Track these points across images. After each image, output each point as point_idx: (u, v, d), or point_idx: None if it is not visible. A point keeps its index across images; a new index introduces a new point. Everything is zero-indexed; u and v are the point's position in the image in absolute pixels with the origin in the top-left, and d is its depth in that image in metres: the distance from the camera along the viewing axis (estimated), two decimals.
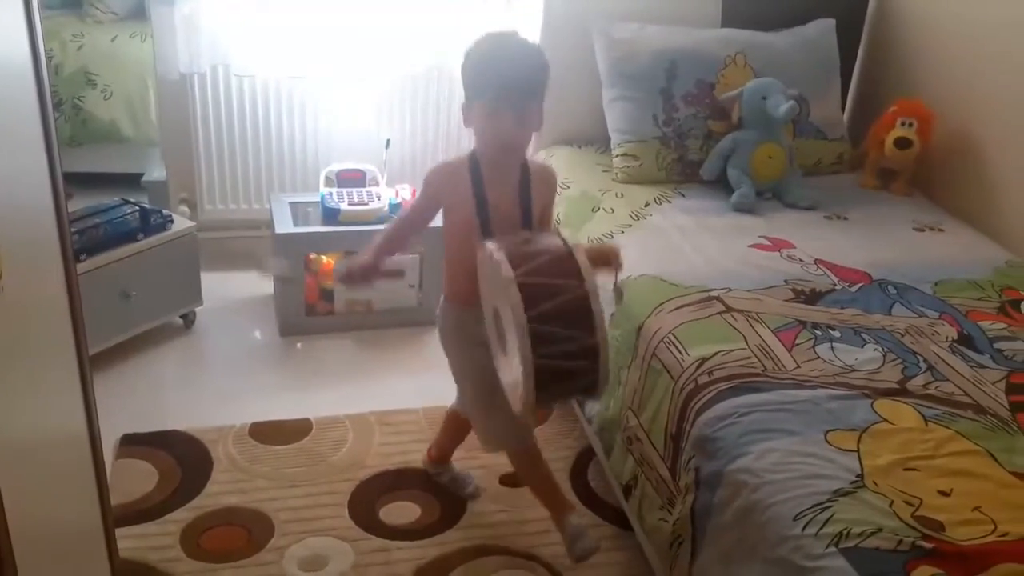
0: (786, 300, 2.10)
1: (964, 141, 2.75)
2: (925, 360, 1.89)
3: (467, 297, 1.93)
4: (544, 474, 2.07)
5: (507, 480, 2.38)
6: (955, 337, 1.99)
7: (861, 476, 1.55)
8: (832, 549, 1.41)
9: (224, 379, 2.73)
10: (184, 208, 3.18)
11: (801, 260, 2.29)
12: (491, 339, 1.86)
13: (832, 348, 1.91)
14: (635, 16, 2.85)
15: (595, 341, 1.61)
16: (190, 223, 2.86)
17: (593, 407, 2.20)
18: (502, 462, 2.43)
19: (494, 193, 1.91)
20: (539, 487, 2.08)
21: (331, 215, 2.90)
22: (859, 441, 1.63)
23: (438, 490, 2.33)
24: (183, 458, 2.38)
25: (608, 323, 1.81)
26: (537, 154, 2.99)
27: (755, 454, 1.61)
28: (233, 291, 3.14)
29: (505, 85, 1.83)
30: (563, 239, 1.77)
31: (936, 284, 2.21)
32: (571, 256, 1.67)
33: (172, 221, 2.81)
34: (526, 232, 1.87)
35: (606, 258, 1.96)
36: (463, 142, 3.39)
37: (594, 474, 2.42)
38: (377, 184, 3.06)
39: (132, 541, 2.10)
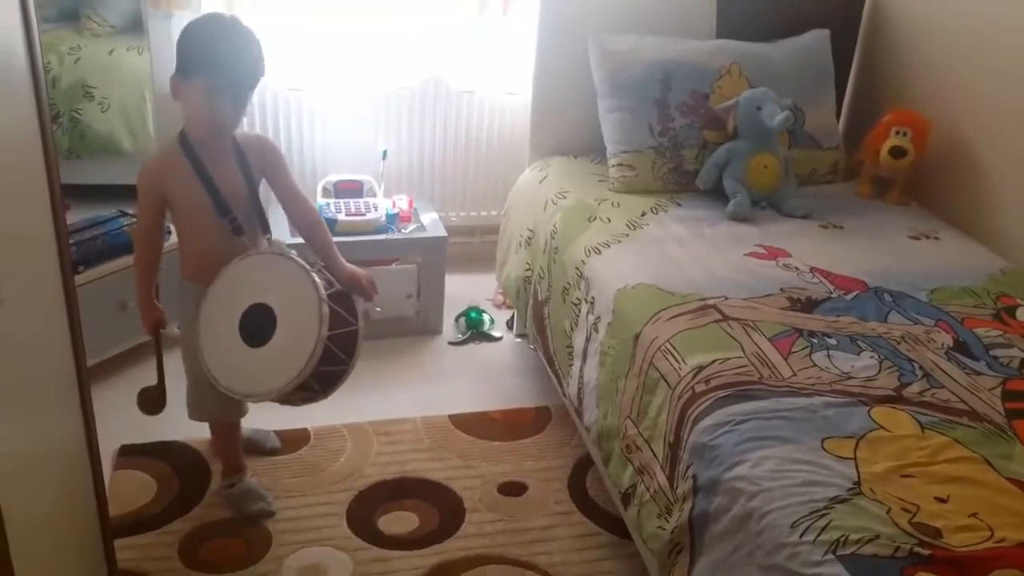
0: (782, 308, 2.10)
1: (958, 150, 2.76)
2: (921, 367, 1.90)
3: (197, 275, 2.03)
4: (235, 443, 2.29)
5: (505, 490, 2.38)
6: (951, 344, 2.00)
7: (858, 483, 1.55)
8: (829, 556, 1.41)
9: None
10: None
11: (797, 268, 2.30)
12: (211, 319, 1.98)
13: (828, 356, 1.92)
14: (630, 28, 2.87)
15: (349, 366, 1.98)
16: None
17: (591, 416, 2.20)
18: (499, 471, 2.44)
19: (217, 170, 1.97)
20: (226, 453, 2.29)
21: (328, 225, 2.89)
22: (856, 448, 1.64)
23: (437, 500, 2.33)
24: (181, 469, 2.38)
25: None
26: (533, 164, 3.00)
27: (752, 461, 1.61)
28: None
29: (226, 66, 1.88)
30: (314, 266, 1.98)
31: (932, 292, 2.22)
32: (349, 296, 2.01)
33: (170, 232, 2.80)
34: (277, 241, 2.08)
35: (359, 286, 2.07)
36: (459, 152, 3.40)
37: (592, 482, 2.42)
38: (374, 195, 3.07)
39: (131, 552, 2.10)
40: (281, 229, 2.71)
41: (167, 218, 2.08)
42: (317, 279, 1.91)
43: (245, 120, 3.12)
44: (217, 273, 1.98)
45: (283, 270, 1.95)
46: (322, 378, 1.93)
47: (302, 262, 1.94)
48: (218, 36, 1.90)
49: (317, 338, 1.86)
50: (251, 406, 2.24)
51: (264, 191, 2.10)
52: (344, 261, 2.10)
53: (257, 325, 1.91)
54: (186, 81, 1.90)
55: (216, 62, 1.87)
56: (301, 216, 2.13)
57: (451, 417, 2.65)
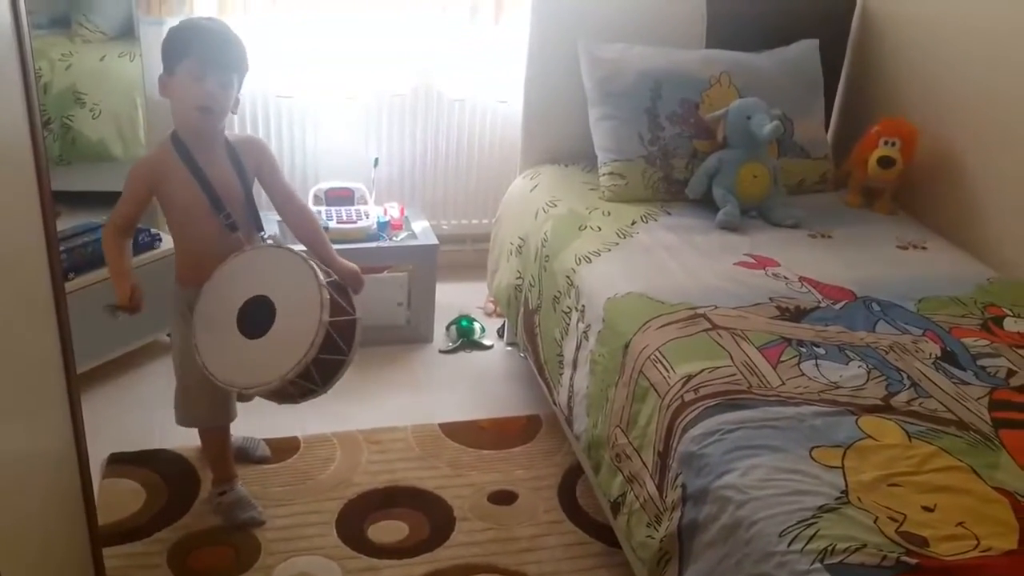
0: (771, 317, 2.11)
1: (947, 160, 2.78)
2: (909, 377, 1.91)
3: (192, 278, 2.03)
4: (226, 451, 2.29)
5: (495, 498, 2.38)
6: (938, 354, 2.01)
7: (846, 492, 1.56)
8: (817, 565, 1.42)
9: None
10: None
11: (786, 278, 2.31)
12: (207, 316, 1.98)
13: (817, 365, 1.93)
14: (621, 37, 2.88)
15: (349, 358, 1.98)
16: None
17: (581, 424, 2.21)
18: (489, 480, 2.44)
19: (210, 168, 2.00)
20: (217, 461, 2.29)
21: None
22: (844, 457, 1.64)
23: (427, 509, 2.33)
24: (170, 477, 2.37)
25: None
26: (524, 173, 3.01)
27: (740, 471, 1.62)
28: None
29: (210, 49, 1.94)
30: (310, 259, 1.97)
31: (919, 301, 2.23)
32: (346, 289, 2.02)
33: (160, 240, 2.82)
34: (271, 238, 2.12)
35: (357, 280, 2.08)
36: (451, 160, 3.41)
37: (582, 491, 2.42)
38: (365, 202, 3.07)
39: (119, 560, 2.09)
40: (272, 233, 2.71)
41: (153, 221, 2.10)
42: (316, 266, 1.92)
43: (236, 126, 3.12)
44: (212, 273, 1.99)
45: (281, 261, 1.96)
46: (323, 368, 1.92)
47: (300, 252, 1.96)
48: (198, 26, 2.00)
49: (319, 322, 1.86)
50: (239, 412, 2.23)
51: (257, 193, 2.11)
52: (340, 257, 2.10)
53: (255, 319, 1.91)
54: (172, 75, 1.95)
55: (197, 45, 1.93)
56: (296, 215, 2.13)
57: (441, 425, 2.66)
